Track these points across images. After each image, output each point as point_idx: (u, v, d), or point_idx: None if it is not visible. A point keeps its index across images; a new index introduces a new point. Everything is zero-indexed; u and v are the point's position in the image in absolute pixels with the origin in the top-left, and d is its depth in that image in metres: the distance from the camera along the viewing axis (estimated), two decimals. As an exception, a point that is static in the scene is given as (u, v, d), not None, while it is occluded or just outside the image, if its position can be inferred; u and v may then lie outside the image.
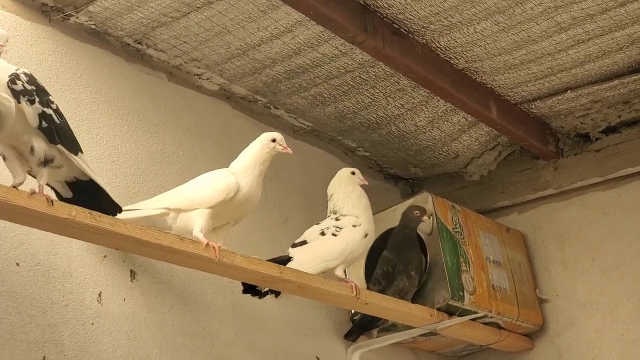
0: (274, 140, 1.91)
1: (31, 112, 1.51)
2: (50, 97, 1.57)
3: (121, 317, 1.90)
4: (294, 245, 2.13)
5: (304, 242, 2.13)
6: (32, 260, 1.77)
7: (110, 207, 1.67)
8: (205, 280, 2.10)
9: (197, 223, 1.81)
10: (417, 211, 2.37)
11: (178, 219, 1.84)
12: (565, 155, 2.75)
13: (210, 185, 1.85)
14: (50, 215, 1.52)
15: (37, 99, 1.51)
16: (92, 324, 1.84)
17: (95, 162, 1.97)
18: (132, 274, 1.96)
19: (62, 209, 1.54)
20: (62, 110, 1.92)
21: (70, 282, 1.83)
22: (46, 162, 1.54)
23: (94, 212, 1.60)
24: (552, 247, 2.77)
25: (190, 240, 1.77)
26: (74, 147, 1.59)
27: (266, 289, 2.06)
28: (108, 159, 2.01)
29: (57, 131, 1.54)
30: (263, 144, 1.91)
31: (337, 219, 2.14)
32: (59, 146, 1.55)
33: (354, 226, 2.12)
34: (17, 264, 1.74)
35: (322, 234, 2.13)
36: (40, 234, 1.75)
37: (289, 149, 1.92)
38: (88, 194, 1.65)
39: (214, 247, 1.78)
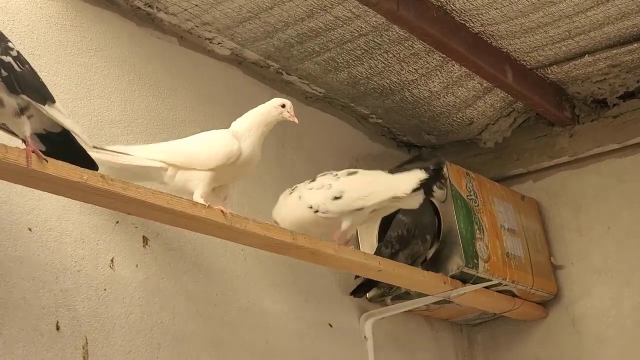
0: (283, 106, 1.90)
1: None
2: (9, 44, 1.47)
3: (134, 283, 1.89)
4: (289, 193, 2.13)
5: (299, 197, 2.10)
6: (44, 226, 1.76)
7: (86, 164, 1.56)
8: (218, 246, 2.09)
9: (197, 187, 1.79)
10: None
11: (176, 176, 1.81)
12: (581, 122, 2.72)
13: (212, 148, 1.82)
14: (61, 179, 1.50)
15: None
16: (105, 289, 1.83)
17: (107, 127, 1.96)
18: (145, 240, 1.95)
19: (74, 172, 1.52)
20: (72, 75, 1.92)
21: (82, 248, 1.81)
22: (22, 110, 1.45)
23: (106, 176, 1.58)
24: (567, 214, 2.74)
25: (203, 205, 1.75)
26: (40, 96, 1.49)
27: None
28: (120, 124, 1.99)
29: (17, 80, 1.44)
30: (272, 107, 1.90)
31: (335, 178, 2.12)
32: (23, 96, 1.45)
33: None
34: (30, 229, 1.73)
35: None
36: (52, 199, 1.74)
37: (295, 118, 1.90)
38: (62, 147, 1.55)
39: (222, 211, 1.76)
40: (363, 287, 2.42)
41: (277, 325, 2.20)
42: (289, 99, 1.98)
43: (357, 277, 2.42)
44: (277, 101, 1.91)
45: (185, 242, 2.03)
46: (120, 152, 1.80)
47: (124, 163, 1.78)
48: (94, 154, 1.69)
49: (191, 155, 1.82)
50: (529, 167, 2.81)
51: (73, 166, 1.53)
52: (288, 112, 1.90)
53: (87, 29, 1.99)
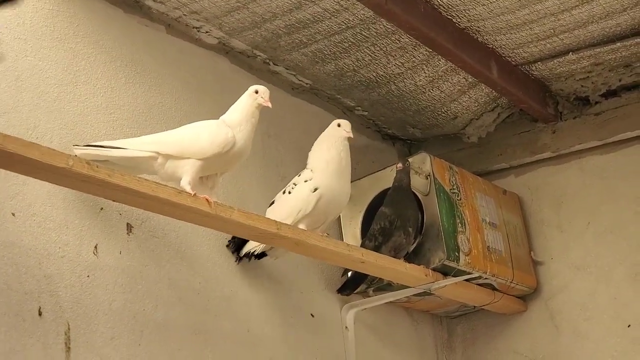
0: (256, 92, 1.90)
1: None
2: None
3: (117, 270, 1.89)
4: (269, 206, 2.14)
5: (273, 203, 2.14)
6: (28, 211, 1.75)
7: None
8: (202, 235, 2.10)
9: (186, 174, 1.79)
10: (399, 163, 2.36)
11: (166, 165, 1.81)
12: (564, 119, 2.74)
13: (208, 137, 1.83)
14: (46, 164, 1.51)
15: None
16: (88, 276, 1.83)
17: (92, 114, 1.96)
18: (129, 227, 1.95)
19: (60, 158, 1.53)
20: (58, 60, 1.91)
21: (66, 234, 1.82)
22: None
23: (92, 163, 1.58)
24: (548, 210, 2.77)
25: (188, 193, 1.76)
26: None
27: (243, 254, 2.09)
28: (105, 111, 1.99)
29: None
30: (248, 96, 1.91)
31: (299, 175, 2.12)
32: None
33: (306, 181, 2.08)
34: (13, 214, 1.73)
35: (284, 192, 2.11)
36: (36, 184, 1.74)
37: (269, 102, 1.90)
38: None
39: (207, 200, 1.77)
40: (350, 284, 2.43)
41: (259, 314, 2.21)
42: (275, 89, 1.98)
43: (344, 274, 2.44)
44: (251, 89, 1.91)
45: (170, 230, 2.04)
46: (107, 147, 1.80)
47: (114, 155, 1.78)
48: (80, 151, 1.69)
49: (187, 144, 1.82)
50: (512, 162, 2.83)
51: (58, 152, 1.54)
52: (262, 97, 1.90)
53: (75, 14, 1.98)
